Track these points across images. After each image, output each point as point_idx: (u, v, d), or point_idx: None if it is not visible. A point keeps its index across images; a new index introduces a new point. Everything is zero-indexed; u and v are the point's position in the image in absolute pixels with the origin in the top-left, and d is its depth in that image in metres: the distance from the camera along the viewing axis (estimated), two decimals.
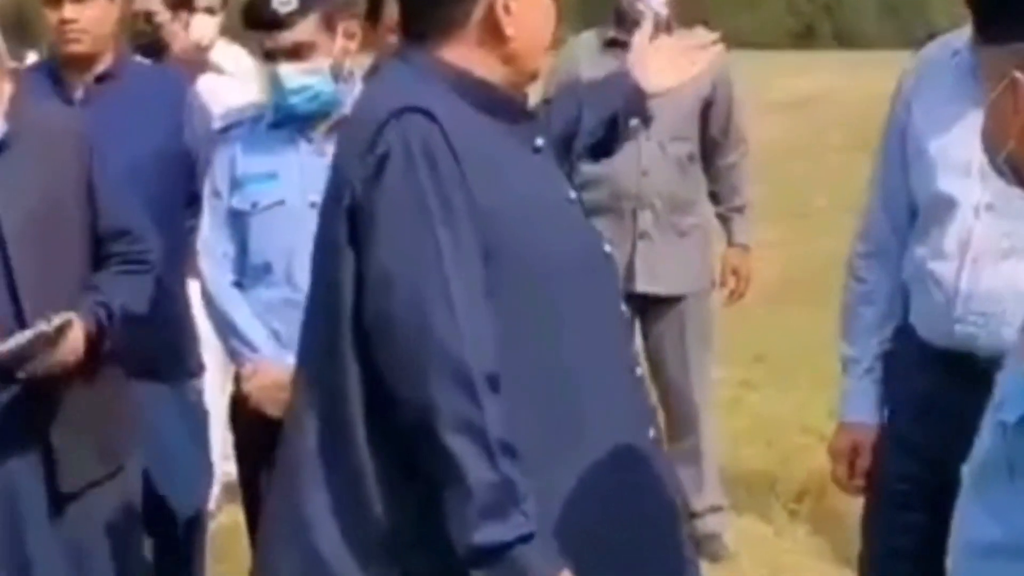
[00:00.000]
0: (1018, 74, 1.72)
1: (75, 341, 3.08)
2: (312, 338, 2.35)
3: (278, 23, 3.40)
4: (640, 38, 2.79)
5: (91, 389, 3.20)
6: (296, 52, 3.42)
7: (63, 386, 3.12)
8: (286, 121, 3.54)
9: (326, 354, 2.27)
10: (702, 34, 4.82)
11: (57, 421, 3.14)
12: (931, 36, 3.47)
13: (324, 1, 3.45)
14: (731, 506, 5.43)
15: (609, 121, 2.70)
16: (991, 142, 1.81)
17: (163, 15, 5.33)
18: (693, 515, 4.93)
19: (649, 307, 4.92)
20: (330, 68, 3.48)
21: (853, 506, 5.32)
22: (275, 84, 3.48)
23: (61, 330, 3.03)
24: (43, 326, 3.00)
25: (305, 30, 3.42)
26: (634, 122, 2.82)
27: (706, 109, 4.91)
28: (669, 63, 2.76)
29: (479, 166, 2.21)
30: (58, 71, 3.87)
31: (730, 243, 5.14)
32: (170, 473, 3.87)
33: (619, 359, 2.41)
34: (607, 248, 2.44)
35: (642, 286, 4.81)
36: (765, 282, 9.98)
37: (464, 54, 2.31)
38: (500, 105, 2.34)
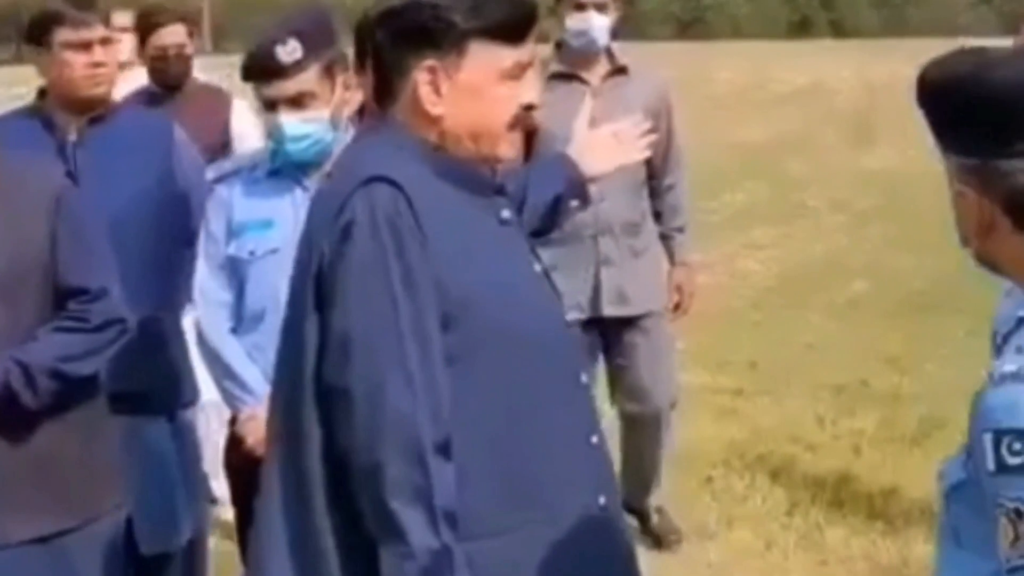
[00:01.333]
0: (961, 187, 1.82)
1: None
2: (278, 396, 2.44)
3: (282, 72, 3.46)
4: (579, 126, 2.96)
5: (55, 439, 3.17)
6: (297, 101, 3.48)
7: (14, 437, 3.10)
8: (284, 169, 3.60)
9: (289, 413, 2.36)
10: (647, 80, 5.02)
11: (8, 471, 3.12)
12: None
13: (325, 52, 3.51)
14: (722, 519, 5.52)
15: (552, 203, 2.91)
16: (960, 236, 1.90)
17: (190, 47, 5.45)
18: (642, 513, 5.29)
19: (612, 327, 5.09)
20: (329, 117, 3.54)
21: (840, 518, 5.46)
22: (276, 132, 3.52)
23: None
24: None
25: (307, 80, 3.48)
26: (574, 203, 3.00)
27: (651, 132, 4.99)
28: (607, 150, 2.95)
29: (443, 236, 2.28)
30: (50, 113, 3.90)
31: (672, 262, 5.31)
32: (164, 503, 3.94)
33: (575, 429, 2.46)
34: (568, 318, 2.53)
35: (609, 310, 5.00)
36: (758, 287, 10.13)
37: (412, 123, 2.37)
38: (464, 177, 2.39)
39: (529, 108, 2.42)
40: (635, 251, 5.06)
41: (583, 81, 4.94)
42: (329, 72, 3.51)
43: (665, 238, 5.24)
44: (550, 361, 2.41)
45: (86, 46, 3.83)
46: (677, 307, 5.30)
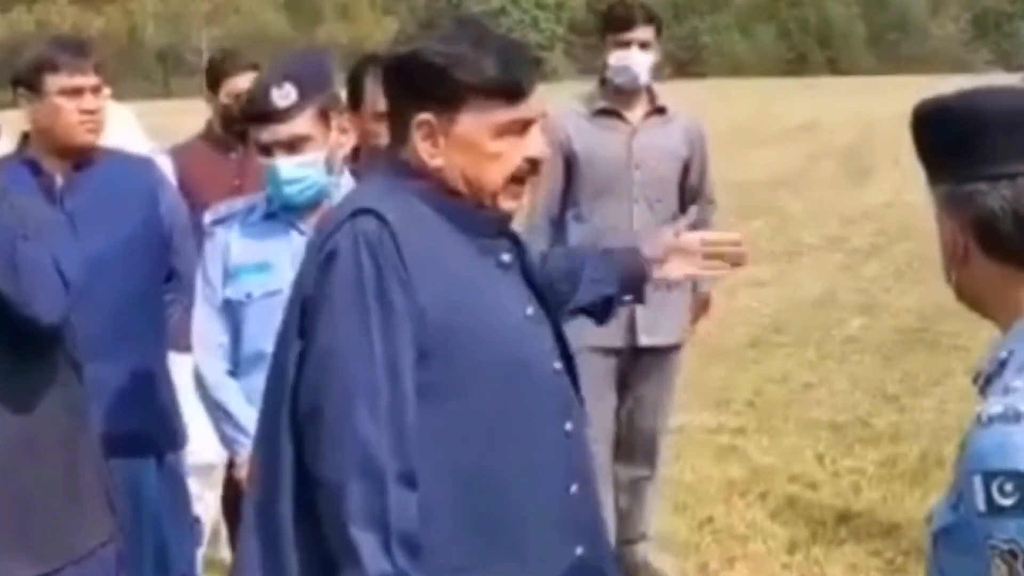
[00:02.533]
0: (939, 216, 1.88)
1: None
2: (261, 418, 2.49)
3: (277, 116, 3.47)
4: (669, 232, 2.92)
5: (37, 480, 3.13)
6: (292, 145, 3.48)
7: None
8: (279, 212, 3.60)
9: (266, 439, 2.42)
10: (684, 120, 5.08)
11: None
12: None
13: (320, 96, 3.51)
14: (724, 558, 5.49)
15: (603, 301, 2.83)
16: (945, 272, 1.94)
17: None
18: (629, 541, 5.28)
19: (640, 359, 5.15)
20: (324, 160, 3.54)
21: (840, 556, 5.44)
22: (272, 176, 3.52)
23: None
24: None
25: (303, 124, 3.48)
26: (627, 298, 2.90)
27: (685, 170, 5.15)
28: (686, 261, 2.85)
29: (429, 272, 2.31)
30: (36, 159, 3.90)
31: (695, 291, 5.33)
32: (155, 544, 3.94)
33: (553, 475, 2.45)
34: (557, 366, 2.49)
35: (644, 340, 5.07)
36: (757, 324, 10.12)
37: (419, 168, 2.41)
38: (464, 218, 2.41)
39: (533, 162, 2.44)
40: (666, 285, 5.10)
41: (624, 120, 5.03)
42: (324, 115, 3.52)
43: None
44: (531, 405, 2.41)
45: (78, 92, 3.84)
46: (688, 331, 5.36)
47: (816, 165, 19.88)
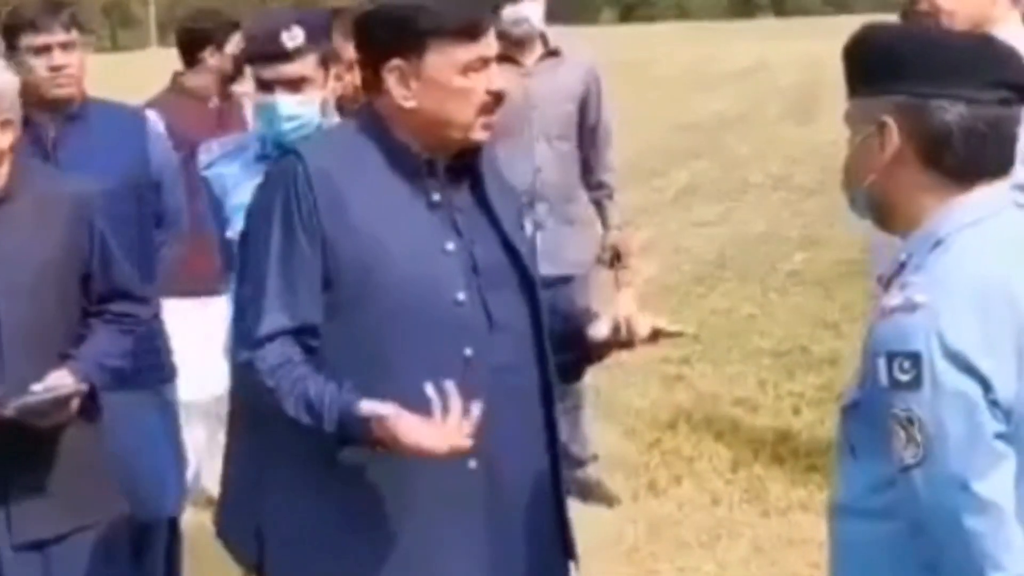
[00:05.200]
0: (887, 118, 2.16)
1: (75, 406, 3.39)
2: None
3: (284, 56, 3.70)
4: (626, 300, 3.13)
5: (60, 447, 3.44)
6: (295, 84, 3.71)
7: (27, 444, 3.37)
8: (272, 152, 3.77)
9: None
10: (578, 63, 5.42)
11: (18, 476, 3.39)
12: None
13: (323, 43, 3.78)
14: (671, 477, 5.86)
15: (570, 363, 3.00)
16: (853, 176, 2.25)
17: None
18: (579, 464, 5.61)
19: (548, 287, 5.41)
20: (319, 103, 3.79)
21: (780, 473, 5.79)
22: (270, 112, 3.73)
23: (71, 396, 3.36)
24: (64, 389, 3.34)
25: (307, 65, 3.72)
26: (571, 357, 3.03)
27: (582, 109, 5.52)
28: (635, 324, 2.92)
29: (342, 210, 2.66)
30: (27, 112, 4.13)
31: (605, 225, 5.71)
32: (154, 471, 4.25)
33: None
34: (460, 296, 2.73)
35: (544, 270, 5.24)
36: (703, 262, 10.43)
37: (385, 113, 2.74)
38: (398, 160, 2.73)
39: (497, 94, 2.74)
40: (568, 218, 5.48)
41: (519, 63, 5.34)
42: (324, 62, 3.76)
43: (598, 205, 5.67)
44: (425, 334, 2.68)
45: (46, 49, 4.10)
46: (612, 263, 5.69)
47: (762, 106, 20.06)
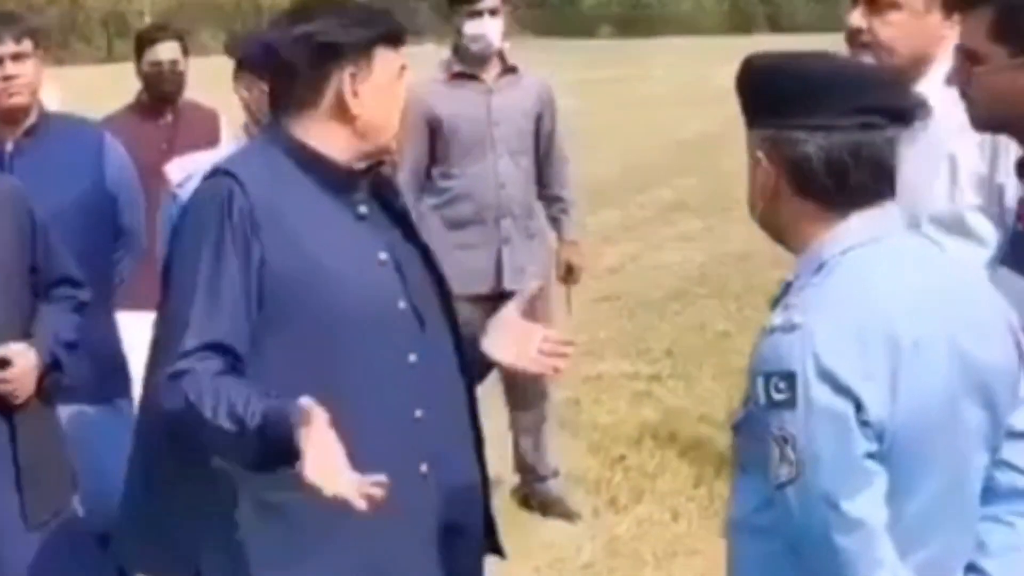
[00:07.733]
0: (760, 153, 2.22)
1: (26, 373, 3.47)
2: None
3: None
4: (512, 307, 3.03)
5: (36, 437, 3.56)
6: None
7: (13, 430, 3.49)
8: None
9: None
10: (534, 80, 5.54)
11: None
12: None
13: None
14: (631, 494, 5.89)
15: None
16: (749, 204, 2.31)
17: (183, 63, 5.69)
18: (540, 479, 5.71)
19: (504, 302, 5.44)
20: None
21: None
22: None
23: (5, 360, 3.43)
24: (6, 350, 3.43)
25: None
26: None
27: (537, 125, 5.60)
28: (516, 347, 2.96)
29: (273, 227, 2.64)
30: None
31: (561, 239, 5.82)
32: (112, 484, 4.25)
33: (397, 405, 2.72)
34: (401, 305, 2.77)
35: (509, 284, 5.35)
36: (682, 277, 10.48)
37: (308, 129, 2.74)
38: (325, 175, 2.75)
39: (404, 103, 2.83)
40: (529, 232, 5.56)
41: (481, 80, 5.45)
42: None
43: (554, 220, 5.76)
44: (373, 342, 2.70)
45: None
46: (566, 278, 5.81)
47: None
